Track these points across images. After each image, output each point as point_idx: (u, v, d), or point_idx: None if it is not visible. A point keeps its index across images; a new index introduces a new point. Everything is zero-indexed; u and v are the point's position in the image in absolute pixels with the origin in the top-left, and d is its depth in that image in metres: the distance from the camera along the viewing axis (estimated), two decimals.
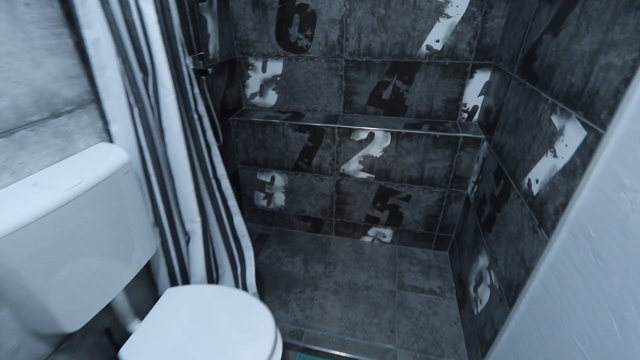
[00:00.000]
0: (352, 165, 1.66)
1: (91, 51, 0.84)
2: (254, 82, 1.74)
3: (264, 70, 1.68)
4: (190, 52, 1.29)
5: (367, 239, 1.91)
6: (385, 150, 1.57)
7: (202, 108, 1.05)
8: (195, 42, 1.30)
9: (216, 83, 1.52)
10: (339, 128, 1.57)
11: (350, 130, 1.56)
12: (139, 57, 0.91)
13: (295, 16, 1.51)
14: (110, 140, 0.97)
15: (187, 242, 1.16)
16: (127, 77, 0.89)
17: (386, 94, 1.59)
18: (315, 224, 1.95)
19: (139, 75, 0.93)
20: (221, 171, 1.17)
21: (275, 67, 1.66)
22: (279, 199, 1.92)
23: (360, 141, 1.58)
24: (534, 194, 0.91)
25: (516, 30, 1.19)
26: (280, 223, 2.03)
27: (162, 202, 1.05)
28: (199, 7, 1.32)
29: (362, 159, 1.63)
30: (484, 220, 1.29)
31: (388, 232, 1.84)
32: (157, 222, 1.07)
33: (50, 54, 0.77)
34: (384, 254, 1.82)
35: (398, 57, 1.48)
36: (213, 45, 1.46)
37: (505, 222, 1.08)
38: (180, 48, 0.97)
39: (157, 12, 0.83)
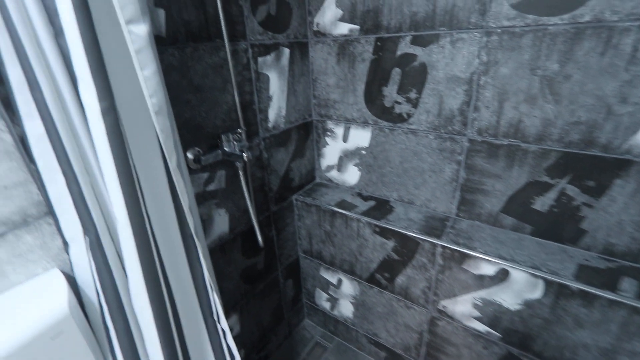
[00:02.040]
0: (461, 306, 1.01)
1: (35, 150, 0.54)
2: (331, 152, 1.30)
3: (345, 139, 1.23)
4: (234, 126, 0.94)
5: None
6: (528, 304, 0.87)
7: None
8: (242, 112, 0.94)
9: (275, 156, 1.14)
10: (444, 247, 0.96)
11: (464, 256, 0.93)
12: None
13: (394, 71, 1.01)
14: (71, 267, 0.66)
15: None
16: (70, 193, 0.56)
17: (542, 204, 0.90)
18: (392, 358, 1.33)
19: (101, 187, 0.59)
20: (224, 324, 0.74)
21: (361, 137, 1.18)
22: (346, 308, 1.39)
23: (481, 276, 0.93)
24: None
25: None
26: (345, 337, 1.48)
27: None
28: (257, 64, 0.97)
29: (479, 303, 0.96)
30: None
31: None
32: None
33: None
34: None
35: (578, 146, 0.80)
36: (276, 109, 1.09)
37: None
38: (174, 140, 0.59)
39: (102, 99, 0.47)
